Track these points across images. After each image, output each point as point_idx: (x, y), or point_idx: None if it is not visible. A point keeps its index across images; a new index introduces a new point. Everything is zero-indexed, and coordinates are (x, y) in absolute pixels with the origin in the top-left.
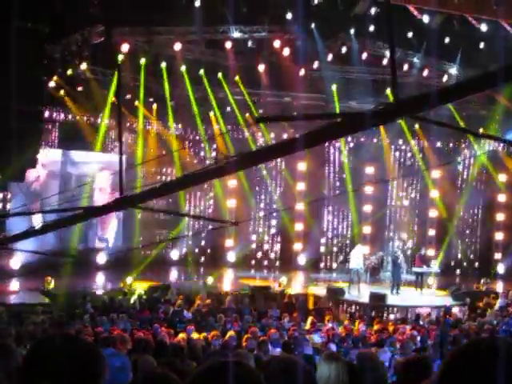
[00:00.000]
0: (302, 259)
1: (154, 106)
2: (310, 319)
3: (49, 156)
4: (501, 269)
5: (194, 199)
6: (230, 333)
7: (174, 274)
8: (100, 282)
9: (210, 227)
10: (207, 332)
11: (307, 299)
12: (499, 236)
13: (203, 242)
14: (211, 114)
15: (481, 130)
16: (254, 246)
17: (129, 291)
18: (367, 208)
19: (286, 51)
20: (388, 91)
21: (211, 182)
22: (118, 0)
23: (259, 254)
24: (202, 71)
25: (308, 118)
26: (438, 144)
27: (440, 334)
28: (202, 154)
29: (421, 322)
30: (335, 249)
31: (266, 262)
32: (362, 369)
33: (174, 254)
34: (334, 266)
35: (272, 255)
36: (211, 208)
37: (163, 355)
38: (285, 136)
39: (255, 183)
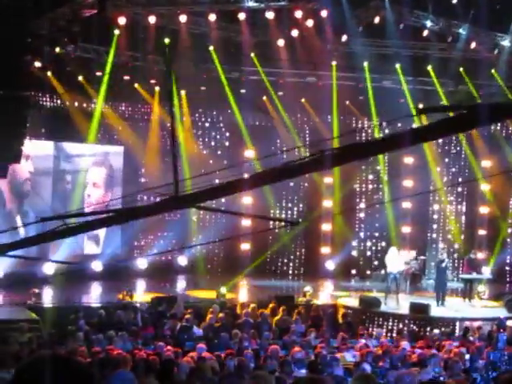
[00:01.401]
0: (330, 265)
1: (156, 88)
2: (340, 335)
3: (37, 149)
4: None
5: None
6: (247, 351)
7: (181, 284)
8: (95, 294)
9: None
10: (220, 351)
11: (337, 312)
12: None
13: (215, 246)
14: (223, 96)
15: None
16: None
17: (129, 304)
18: (406, 204)
19: (310, 23)
20: (429, 68)
21: (223, 177)
22: None
23: (280, 260)
24: (211, 48)
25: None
26: (488, 129)
27: (493, 353)
28: (213, 143)
29: (470, 338)
30: (369, 253)
31: (288, 269)
32: None
33: (182, 261)
34: (368, 272)
35: (295, 260)
36: (223, 206)
37: (169, 378)
38: (310, 121)
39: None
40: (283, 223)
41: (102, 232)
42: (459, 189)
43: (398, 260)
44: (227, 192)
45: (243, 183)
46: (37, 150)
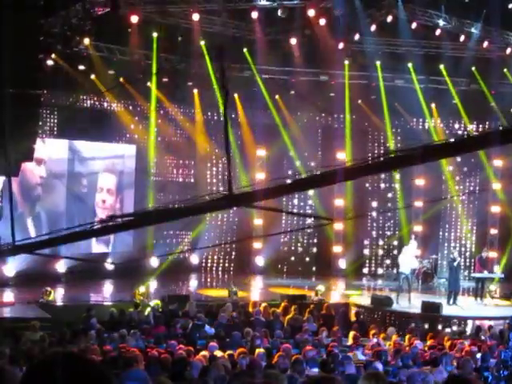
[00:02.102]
0: (342, 264)
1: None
2: (352, 333)
3: (50, 148)
4: None
5: (215, 194)
6: (259, 350)
7: (193, 283)
8: (107, 293)
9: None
10: (232, 349)
11: (349, 310)
12: None
13: (227, 245)
14: (235, 95)
15: None
16: (286, 248)
17: (141, 303)
18: (418, 203)
19: (322, 21)
20: (441, 67)
21: (236, 175)
22: None
23: (292, 258)
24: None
25: None
26: (501, 128)
27: (504, 351)
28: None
29: (482, 337)
30: (381, 251)
31: (300, 268)
32: None
33: (194, 259)
34: (380, 271)
35: (307, 259)
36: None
37: (182, 377)
38: (322, 121)
39: (287, 176)
40: (322, 221)
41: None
42: (471, 188)
43: (410, 258)
44: (281, 193)
45: (295, 186)
46: (51, 150)
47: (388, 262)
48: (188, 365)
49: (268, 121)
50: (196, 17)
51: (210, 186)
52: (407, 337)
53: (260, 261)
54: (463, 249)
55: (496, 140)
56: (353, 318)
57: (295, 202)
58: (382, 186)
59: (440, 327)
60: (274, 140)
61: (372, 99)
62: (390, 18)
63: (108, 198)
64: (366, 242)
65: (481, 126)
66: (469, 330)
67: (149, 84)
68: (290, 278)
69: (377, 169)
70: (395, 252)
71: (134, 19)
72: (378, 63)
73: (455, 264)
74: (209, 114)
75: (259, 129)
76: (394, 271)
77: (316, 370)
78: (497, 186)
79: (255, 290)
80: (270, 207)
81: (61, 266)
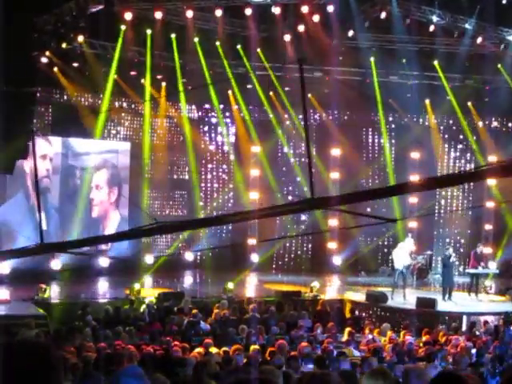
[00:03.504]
0: (337, 260)
1: (163, 84)
2: (347, 330)
3: (43, 145)
4: None
5: (210, 191)
6: (255, 347)
7: (188, 279)
8: (102, 290)
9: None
10: (228, 346)
11: (344, 306)
12: None
13: (223, 242)
14: (229, 92)
15: None
16: (281, 245)
17: (136, 300)
18: (413, 199)
19: (316, 18)
20: (435, 63)
21: (230, 172)
22: None
23: (287, 255)
24: (217, 43)
25: None
26: (495, 124)
27: (499, 347)
28: (220, 139)
29: (477, 333)
30: (376, 248)
31: (295, 264)
32: None
33: (189, 256)
34: (375, 267)
35: (302, 256)
36: (230, 202)
37: (177, 373)
38: (316, 117)
39: (281, 173)
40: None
41: (111, 229)
42: (466, 184)
43: (405, 255)
44: (359, 199)
45: (373, 194)
46: (45, 147)
47: (383, 258)
48: (183, 361)
49: (262, 117)
50: (190, 14)
51: (204, 182)
52: (402, 333)
53: (255, 257)
54: (458, 245)
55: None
56: (348, 315)
57: (289, 198)
58: (377, 182)
59: (435, 323)
60: (268, 136)
61: (366, 95)
62: (383, 14)
63: (102, 194)
64: (361, 238)
65: (474, 122)
66: (464, 325)
67: (143, 81)
68: (284, 274)
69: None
70: (390, 248)
71: (128, 16)
72: (372, 59)
73: (450, 260)
74: (203, 110)
75: (254, 125)
76: (389, 267)
77: (311, 366)
78: (491, 182)
79: (250, 286)
80: (346, 210)
81: (56, 264)
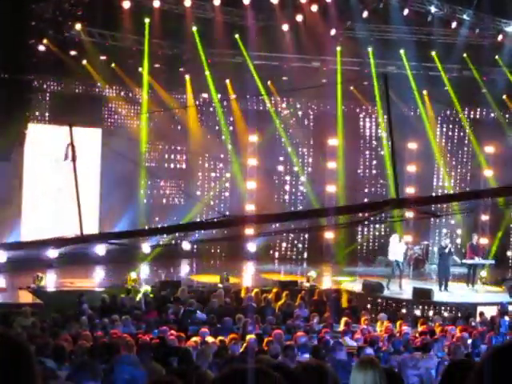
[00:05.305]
0: (333, 250)
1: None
2: (343, 320)
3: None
4: None
5: (207, 181)
6: (251, 336)
7: (185, 269)
8: (99, 278)
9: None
10: (224, 335)
11: (340, 296)
12: None
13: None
14: (227, 81)
15: None
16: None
17: (133, 288)
18: (410, 190)
19: (314, 8)
20: (433, 54)
21: (227, 162)
22: None
23: (284, 245)
24: (215, 32)
25: None
26: (492, 114)
27: (495, 337)
28: (217, 127)
29: (473, 323)
30: (373, 237)
31: (292, 254)
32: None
33: (186, 245)
34: (372, 257)
35: (299, 245)
36: (228, 191)
37: (173, 362)
38: (313, 107)
39: (279, 162)
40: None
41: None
42: (462, 174)
43: (399, 248)
44: (440, 202)
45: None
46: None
47: (379, 248)
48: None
49: (260, 107)
50: (188, 3)
51: (201, 171)
52: (398, 323)
53: (252, 247)
54: (454, 235)
55: None
56: (345, 304)
57: (287, 188)
58: (374, 172)
59: (431, 313)
60: (265, 126)
61: (364, 85)
62: (381, 5)
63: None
64: (358, 228)
65: (472, 112)
66: (460, 316)
67: (140, 70)
68: (281, 263)
69: None
70: (386, 239)
71: (126, 4)
72: (369, 50)
73: (446, 251)
74: (201, 99)
75: (251, 115)
76: (386, 258)
77: (307, 355)
78: (488, 172)
79: (247, 275)
80: (426, 211)
81: (52, 252)
